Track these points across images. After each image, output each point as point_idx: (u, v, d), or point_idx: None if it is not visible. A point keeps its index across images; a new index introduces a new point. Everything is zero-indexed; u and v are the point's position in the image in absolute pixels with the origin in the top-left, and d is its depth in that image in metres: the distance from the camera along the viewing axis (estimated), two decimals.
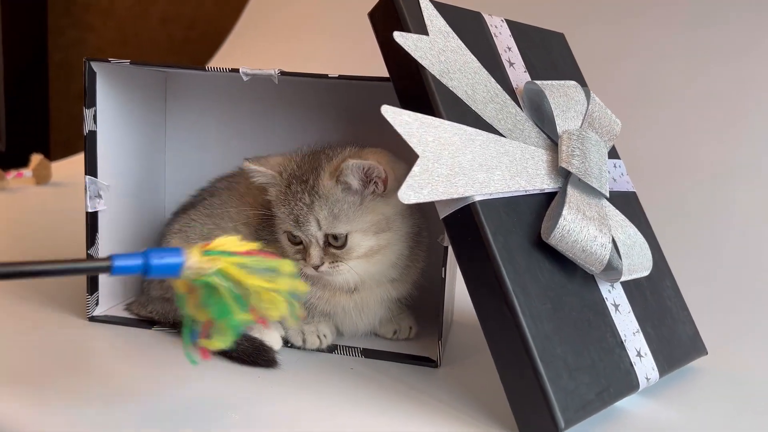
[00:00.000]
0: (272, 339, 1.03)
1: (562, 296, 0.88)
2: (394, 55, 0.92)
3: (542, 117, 1.00)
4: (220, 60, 3.59)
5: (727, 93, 1.82)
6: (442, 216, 0.88)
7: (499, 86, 0.97)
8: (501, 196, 0.87)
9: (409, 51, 0.89)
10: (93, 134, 1.09)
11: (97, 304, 1.13)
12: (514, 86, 1.01)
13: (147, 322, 1.12)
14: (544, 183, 0.93)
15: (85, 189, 1.09)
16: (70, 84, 4.49)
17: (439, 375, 1.00)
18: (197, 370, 0.96)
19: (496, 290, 0.82)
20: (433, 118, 0.86)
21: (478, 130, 0.89)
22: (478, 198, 0.85)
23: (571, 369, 0.83)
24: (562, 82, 1.03)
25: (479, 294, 0.85)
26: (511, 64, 1.04)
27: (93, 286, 1.12)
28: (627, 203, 1.08)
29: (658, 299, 1.03)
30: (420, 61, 0.89)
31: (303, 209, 0.95)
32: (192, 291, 0.71)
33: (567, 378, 0.81)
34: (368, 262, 0.98)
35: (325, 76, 1.00)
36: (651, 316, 0.99)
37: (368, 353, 1.05)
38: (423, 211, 1.06)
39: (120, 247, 1.18)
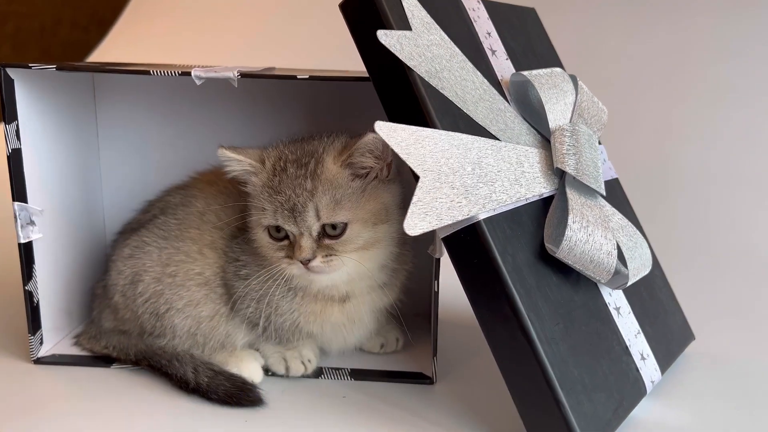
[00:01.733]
0: (252, 372, 0.93)
1: (572, 311, 0.82)
2: (375, 54, 0.81)
3: (529, 110, 0.93)
4: (110, 44, 3.14)
5: (667, 50, 1.80)
6: (441, 236, 0.80)
7: (486, 81, 0.89)
8: (504, 209, 0.80)
9: (395, 51, 0.78)
10: (18, 153, 0.93)
11: (41, 343, 1.00)
12: (499, 78, 0.93)
13: (103, 360, 0.99)
14: (542, 187, 0.87)
15: (15, 218, 0.93)
16: None
17: (435, 392, 0.95)
18: (173, 417, 0.86)
19: (509, 317, 0.76)
20: (427, 129, 0.77)
21: (473, 136, 0.81)
22: (482, 216, 0.77)
23: (589, 390, 0.78)
24: (549, 70, 0.95)
25: (489, 319, 0.78)
26: (493, 52, 0.95)
27: (35, 324, 0.98)
28: (612, 192, 1.04)
29: (651, 292, 1.00)
30: (407, 62, 0.79)
31: (301, 196, 0.83)
32: None
33: (587, 402, 0.77)
34: (362, 256, 0.88)
35: (294, 77, 0.88)
36: (648, 313, 0.96)
37: (357, 374, 0.97)
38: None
39: (59, 278, 1.03)
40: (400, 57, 0.78)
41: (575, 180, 0.89)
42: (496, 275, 0.76)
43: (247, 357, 0.95)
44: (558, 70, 0.97)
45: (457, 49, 0.87)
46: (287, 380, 0.96)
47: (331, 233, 0.85)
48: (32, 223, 0.96)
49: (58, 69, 0.89)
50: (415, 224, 0.71)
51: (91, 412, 0.87)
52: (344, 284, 0.91)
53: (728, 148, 1.66)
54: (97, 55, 2.92)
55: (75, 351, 1.02)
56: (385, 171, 0.88)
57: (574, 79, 0.98)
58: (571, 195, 0.86)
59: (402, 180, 0.93)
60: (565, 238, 0.81)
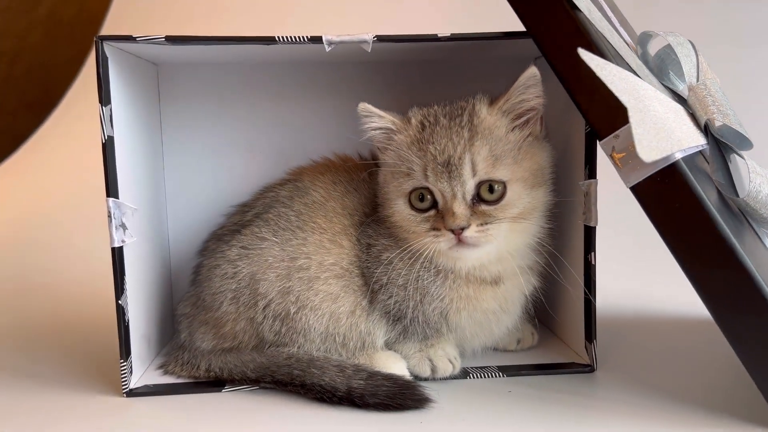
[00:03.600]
0: (401, 372, 0.81)
1: (762, 261, 0.76)
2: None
3: (653, 71, 0.90)
4: (71, 98, 2.97)
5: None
6: (630, 183, 0.73)
7: (622, 39, 0.85)
8: (692, 151, 0.75)
9: None
10: (111, 141, 0.80)
11: (131, 372, 0.83)
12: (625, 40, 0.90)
13: (209, 384, 0.84)
14: (700, 138, 0.82)
15: (110, 216, 0.79)
16: None
17: (598, 379, 0.85)
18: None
19: (730, 263, 0.69)
20: (611, 64, 0.71)
21: (643, 81, 0.76)
22: (679, 155, 0.71)
23: None
24: (672, 33, 0.93)
25: (702, 270, 0.71)
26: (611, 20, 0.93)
27: (127, 348, 0.82)
28: None
29: None
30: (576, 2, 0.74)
31: (459, 145, 0.75)
32: None
33: None
34: (514, 229, 0.79)
35: (435, 37, 0.81)
36: None
37: (507, 371, 0.86)
38: None
39: (141, 296, 0.88)
40: None
41: (721, 133, 0.85)
42: (707, 218, 0.69)
43: (392, 358, 0.83)
44: (676, 33, 0.95)
45: (594, 7, 0.83)
46: (432, 382, 0.83)
47: (487, 198, 0.77)
48: (124, 225, 0.82)
49: (167, 40, 0.79)
50: (647, 146, 0.64)
51: None
52: (494, 263, 0.81)
53: None
54: (34, 141, 2.71)
55: (168, 379, 0.86)
56: (538, 127, 0.81)
57: (692, 43, 0.96)
58: (730, 144, 0.82)
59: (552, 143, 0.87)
60: (750, 180, 0.76)
